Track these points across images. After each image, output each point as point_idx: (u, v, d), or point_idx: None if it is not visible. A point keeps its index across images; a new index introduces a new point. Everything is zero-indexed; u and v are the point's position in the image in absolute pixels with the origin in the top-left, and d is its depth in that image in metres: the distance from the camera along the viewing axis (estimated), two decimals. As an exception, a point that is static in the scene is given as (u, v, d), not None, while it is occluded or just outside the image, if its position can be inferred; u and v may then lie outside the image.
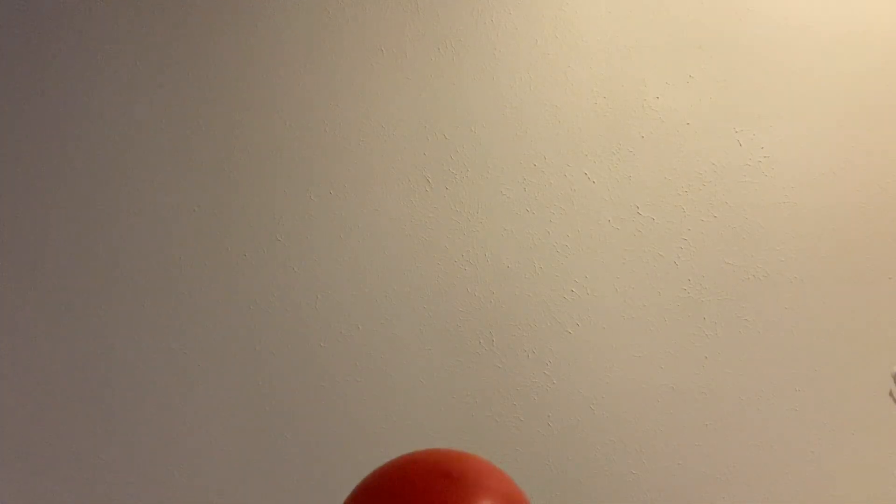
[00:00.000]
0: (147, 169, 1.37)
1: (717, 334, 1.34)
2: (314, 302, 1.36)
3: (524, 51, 1.35)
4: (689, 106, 1.33)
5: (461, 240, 1.35)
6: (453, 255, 1.35)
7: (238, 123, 1.37)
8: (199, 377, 1.36)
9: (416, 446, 1.30)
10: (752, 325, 1.33)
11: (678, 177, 1.33)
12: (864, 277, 1.33)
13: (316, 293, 1.36)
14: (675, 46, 1.34)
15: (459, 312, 1.35)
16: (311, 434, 1.36)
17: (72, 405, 1.37)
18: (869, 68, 1.32)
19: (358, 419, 1.36)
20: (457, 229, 1.35)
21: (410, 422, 1.35)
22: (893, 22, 1.32)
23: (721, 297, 1.33)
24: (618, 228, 1.34)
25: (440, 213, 1.35)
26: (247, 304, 1.36)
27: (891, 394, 1.31)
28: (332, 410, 1.36)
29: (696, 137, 1.33)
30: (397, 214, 1.36)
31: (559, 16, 1.35)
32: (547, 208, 1.35)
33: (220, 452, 1.36)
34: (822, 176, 1.33)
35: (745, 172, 1.33)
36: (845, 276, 1.33)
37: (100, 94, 1.38)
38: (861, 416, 1.33)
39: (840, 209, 1.33)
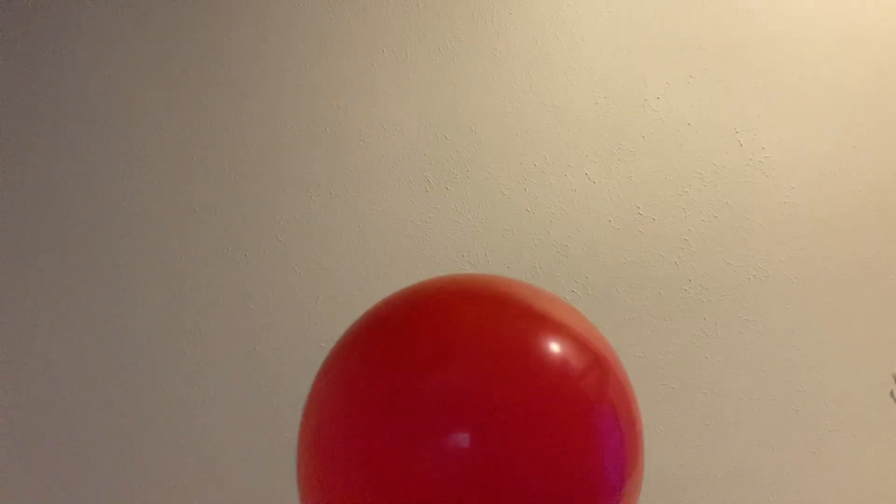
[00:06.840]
0: (147, 169, 1.37)
1: (717, 334, 1.34)
2: (314, 302, 1.36)
3: (524, 51, 1.35)
4: (690, 106, 1.33)
5: (461, 240, 1.35)
6: (453, 255, 1.35)
7: (239, 123, 1.37)
8: (200, 377, 1.36)
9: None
10: (752, 325, 1.33)
11: (679, 177, 1.33)
12: (864, 277, 1.33)
13: (316, 293, 1.36)
14: (675, 46, 1.34)
15: (460, 312, 1.35)
16: (312, 434, 1.35)
17: (71, 404, 1.37)
18: (870, 68, 1.32)
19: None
20: (457, 229, 1.35)
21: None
22: (894, 22, 1.32)
23: (722, 297, 1.33)
24: (618, 229, 1.34)
25: (441, 213, 1.35)
26: (247, 303, 1.36)
27: (891, 394, 1.32)
28: (333, 410, 1.35)
29: (697, 137, 1.33)
30: (398, 214, 1.36)
31: (559, 16, 1.35)
32: (547, 208, 1.35)
33: (220, 452, 1.36)
34: (823, 176, 1.33)
35: (745, 173, 1.33)
36: (845, 276, 1.33)
37: (101, 93, 1.37)
38: (861, 416, 1.33)
39: (840, 209, 1.33)
